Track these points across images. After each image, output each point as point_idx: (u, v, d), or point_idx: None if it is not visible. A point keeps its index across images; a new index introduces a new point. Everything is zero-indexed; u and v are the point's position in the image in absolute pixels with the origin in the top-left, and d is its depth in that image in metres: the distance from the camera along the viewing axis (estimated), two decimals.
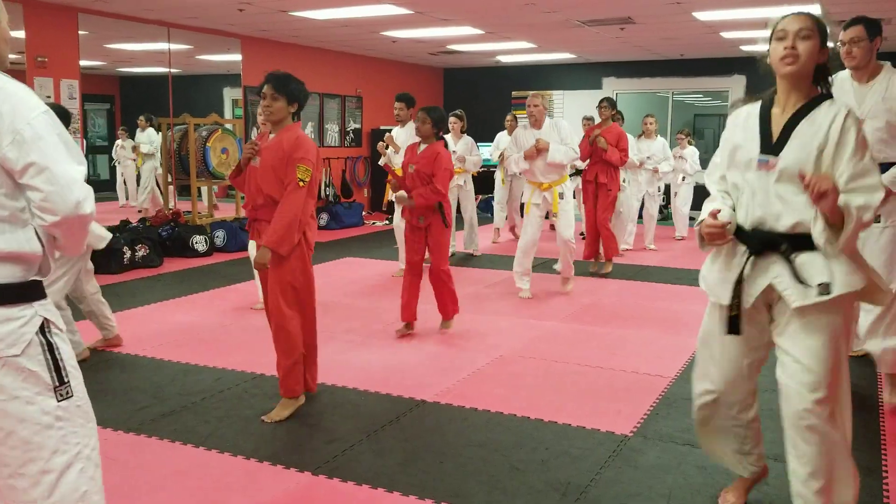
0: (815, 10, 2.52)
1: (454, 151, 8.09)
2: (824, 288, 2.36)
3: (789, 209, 2.42)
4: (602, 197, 7.52)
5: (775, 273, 2.47)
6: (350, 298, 6.54)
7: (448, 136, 7.93)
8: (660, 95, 12.87)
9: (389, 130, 7.55)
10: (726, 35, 9.55)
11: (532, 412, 3.89)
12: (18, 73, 7.64)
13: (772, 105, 2.53)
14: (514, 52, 11.51)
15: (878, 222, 4.08)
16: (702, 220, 2.54)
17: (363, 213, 12.02)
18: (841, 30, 3.91)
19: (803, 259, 2.41)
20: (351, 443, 3.53)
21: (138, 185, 10.02)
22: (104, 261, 7.47)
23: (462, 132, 8.43)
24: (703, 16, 8.13)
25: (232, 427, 3.72)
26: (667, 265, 8.27)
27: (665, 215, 11.59)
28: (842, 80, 4.04)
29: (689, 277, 7.34)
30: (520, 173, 6.81)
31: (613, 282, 7.36)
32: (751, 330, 2.58)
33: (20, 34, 7.47)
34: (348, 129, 12.26)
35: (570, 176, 6.69)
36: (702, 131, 14.80)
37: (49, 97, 7.74)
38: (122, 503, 2.98)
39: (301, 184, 3.67)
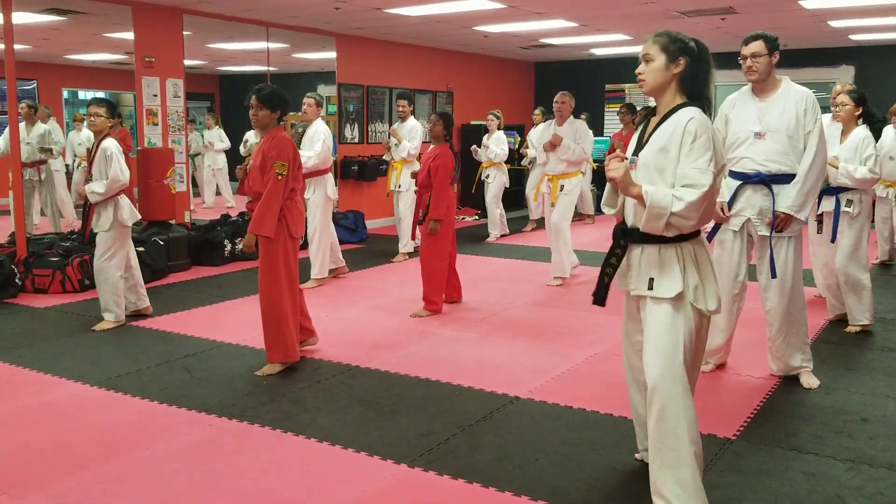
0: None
1: (487, 146, 9.63)
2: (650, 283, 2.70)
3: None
4: None
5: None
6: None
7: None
8: None
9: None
10: (834, 24, 9.13)
11: (630, 412, 3.80)
12: (128, 73, 8.01)
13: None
14: (609, 44, 11.30)
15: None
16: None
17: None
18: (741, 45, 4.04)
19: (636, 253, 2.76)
20: (446, 436, 3.55)
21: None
22: (206, 254, 7.77)
23: (498, 128, 9.63)
24: (810, 4, 7.78)
25: (329, 416, 3.80)
26: None
27: None
28: (743, 95, 4.15)
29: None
30: (529, 164, 7.57)
31: None
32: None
33: (129, 35, 7.81)
34: None
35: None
36: None
37: (156, 95, 8.08)
38: (229, 489, 3.08)
39: (279, 177, 4.32)
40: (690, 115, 2.63)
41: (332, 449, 3.43)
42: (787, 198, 3.96)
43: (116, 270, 5.38)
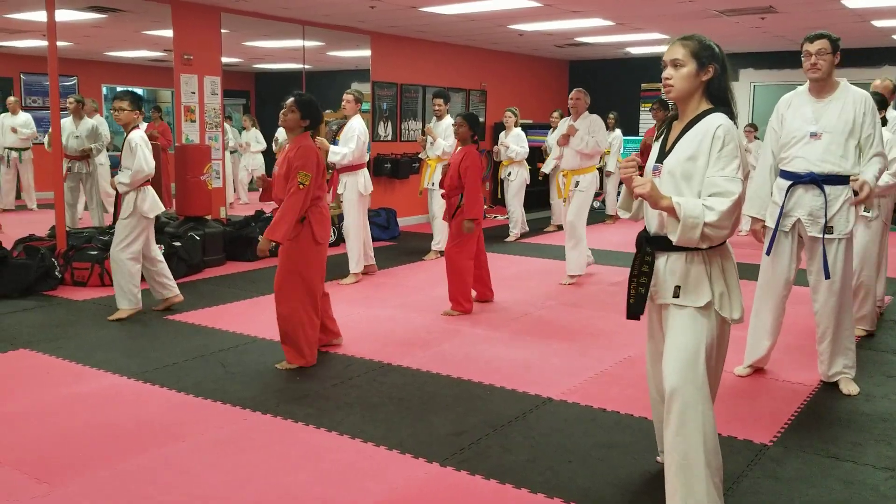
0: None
1: (507, 146, 9.54)
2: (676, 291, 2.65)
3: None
4: None
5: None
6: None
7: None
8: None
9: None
10: (878, 24, 8.94)
11: None
12: (166, 70, 8.11)
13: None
14: (645, 43, 11.19)
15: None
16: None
17: (484, 206, 12.03)
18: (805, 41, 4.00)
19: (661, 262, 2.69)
20: (478, 436, 3.54)
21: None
22: (241, 249, 7.84)
23: (515, 126, 9.61)
24: (852, 3, 7.63)
25: (361, 413, 3.81)
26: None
27: None
28: (800, 95, 4.08)
29: None
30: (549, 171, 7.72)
31: (750, 283, 7.04)
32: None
33: (168, 33, 7.91)
34: None
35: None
36: None
37: (193, 93, 8.17)
38: (262, 482, 3.10)
39: (301, 186, 4.37)
40: (718, 121, 2.57)
41: (363, 446, 3.44)
42: (866, 170, 3.93)
43: (131, 260, 5.46)
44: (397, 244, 9.22)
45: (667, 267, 2.66)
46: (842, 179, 3.94)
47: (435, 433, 3.58)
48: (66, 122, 7.71)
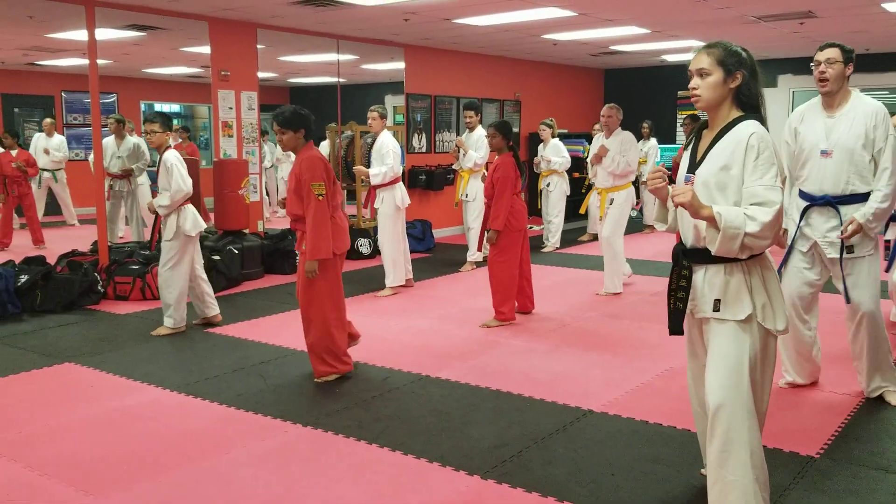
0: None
1: (549, 160, 9.51)
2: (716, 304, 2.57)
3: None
4: None
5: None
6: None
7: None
8: None
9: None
10: None
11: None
12: (203, 86, 8.23)
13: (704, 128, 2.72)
14: (681, 50, 11.10)
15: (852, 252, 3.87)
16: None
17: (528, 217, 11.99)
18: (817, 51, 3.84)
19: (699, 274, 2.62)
20: (518, 449, 3.51)
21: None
22: (278, 262, 7.91)
23: (552, 137, 9.53)
24: (894, 7, 7.49)
25: (401, 426, 3.81)
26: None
27: None
28: (812, 108, 3.92)
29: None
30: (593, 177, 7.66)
31: None
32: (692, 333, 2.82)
33: (205, 49, 8.03)
34: None
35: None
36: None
37: (231, 108, 8.27)
38: (304, 495, 3.11)
39: (320, 198, 4.35)
40: (751, 129, 2.49)
41: (404, 458, 3.43)
42: (864, 208, 3.78)
43: (181, 279, 5.51)
44: (433, 256, 9.23)
45: (705, 280, 2.58)
46: (858, 198, 3.79)
47: (475, 445, 3.56)
48: (108, 142, 7.86)
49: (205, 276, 5.80)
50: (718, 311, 2.55)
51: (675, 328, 2.64)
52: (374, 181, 6.86)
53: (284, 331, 5.64)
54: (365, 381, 4.50)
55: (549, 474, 3.25)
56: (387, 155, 6.86)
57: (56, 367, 4.85)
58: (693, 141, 2.70)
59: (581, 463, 3.37)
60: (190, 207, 5.55)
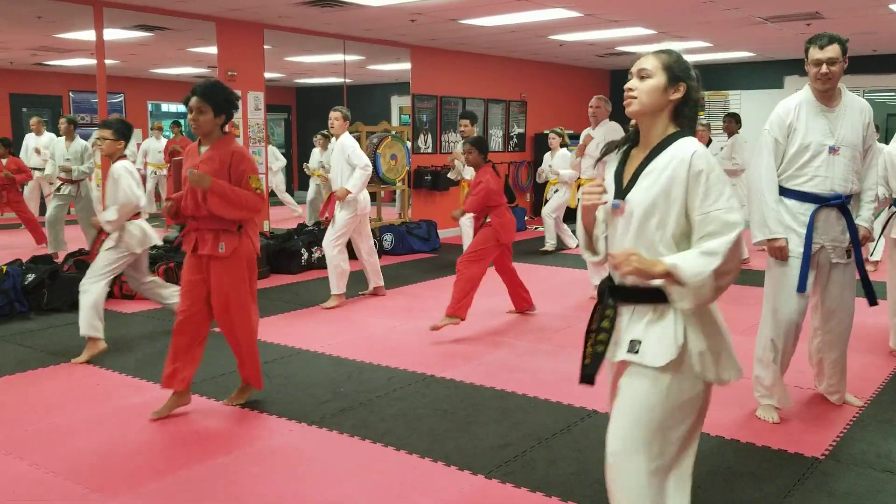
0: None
1: (550, 166, 9.35)
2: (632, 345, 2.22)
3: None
4: None
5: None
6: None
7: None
8: None
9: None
10: None
11: (712, 429, 3.70)
12: None
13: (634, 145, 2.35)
14: (688, 51, 11.04)
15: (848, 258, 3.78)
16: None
17: (525, 217, 12.01)
18: (812, 47, 3.64)
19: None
20: (523, 449, 3.52)
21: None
22: (284, 262, 7.94)
23: (561, 147, 9.33)
24: None
25: (406, 425, 3.82)
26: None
27: None
28: (808, 103, 3.69)
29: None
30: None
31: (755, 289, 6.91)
32: None
33: (212, 50, 8.06)
34: (512, 134, 12.30)
35: None
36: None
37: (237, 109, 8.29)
38: (310, 494, 3.13)
39: (258, 191, 3.78)
40: (691, 147, 2.16)
41: (408, 458, 3.44)
42: (863, 212, 3.78)
43: (103, 290, 5.02)
44: (438, 256, 9.24)
45: (631, 320, 2.24)
46: (854, 197, 3.75)
47: (480, 445, 3.57)
48: (58, 143, 7.48)
49: (151, 276, 5.41)
50: (637, 353, 2.20)
51: (589, 377, 2.28)
52: (354, 193, 6.38)
53: (289, 330, 5.66)
54: (369, 381, 4.52)
55: (554, 474, 3.26)
56: (359, 156, 6.44)
57: (63, 365, 4.88)
58: (620, 159, 2.35)
59: (585, 463, 3.37)
60: (140, 223, 5.01)
